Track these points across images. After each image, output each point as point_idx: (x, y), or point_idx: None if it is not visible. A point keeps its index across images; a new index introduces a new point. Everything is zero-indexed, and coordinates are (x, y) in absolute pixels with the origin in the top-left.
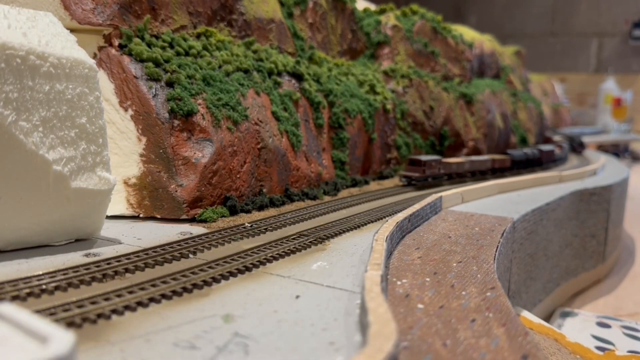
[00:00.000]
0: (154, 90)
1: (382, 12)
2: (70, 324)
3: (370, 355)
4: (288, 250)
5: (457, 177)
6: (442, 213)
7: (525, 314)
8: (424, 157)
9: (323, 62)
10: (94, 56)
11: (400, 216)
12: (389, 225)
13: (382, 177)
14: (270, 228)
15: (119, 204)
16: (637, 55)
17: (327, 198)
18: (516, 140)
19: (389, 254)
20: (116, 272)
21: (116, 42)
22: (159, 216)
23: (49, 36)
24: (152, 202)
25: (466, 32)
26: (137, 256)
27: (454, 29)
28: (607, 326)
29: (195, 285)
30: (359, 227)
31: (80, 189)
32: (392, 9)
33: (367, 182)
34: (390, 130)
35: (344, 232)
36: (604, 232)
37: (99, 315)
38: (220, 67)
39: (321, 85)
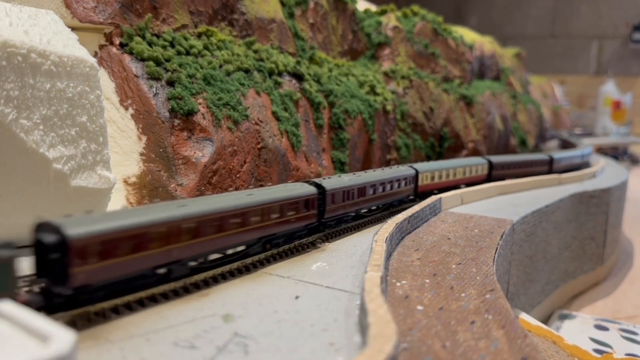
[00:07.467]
0: (154, 89)
1: (382, 13)
2: (70, 322)
3: (371, 356)
4: (288, 250)
5: None
6: (442, 214)
7: (524, 315)
8: None
9: (324, 62)
10: (95, 55)
11: (400, 217)
12: (389, 226)
13: None
14: None
15: (118, 202)
16: (637, 58)
17: None
18: (516, 142)
19: (389, 255)
20: None
21: (117, 41)
22: None
23: (50, 34)
24: (152, 201)
25: (467, 34)
26: None
27: (455, 30)
28: (605, 329)
29: (195, 285)
30: (358, 227)
31: (81, 187)
32: (392, 10)
33: None
34: (391, 131)
35: (343, 232)
36: (603, 234)
37: (99, 314)
38: (221, 66)
39: (322, 85)
